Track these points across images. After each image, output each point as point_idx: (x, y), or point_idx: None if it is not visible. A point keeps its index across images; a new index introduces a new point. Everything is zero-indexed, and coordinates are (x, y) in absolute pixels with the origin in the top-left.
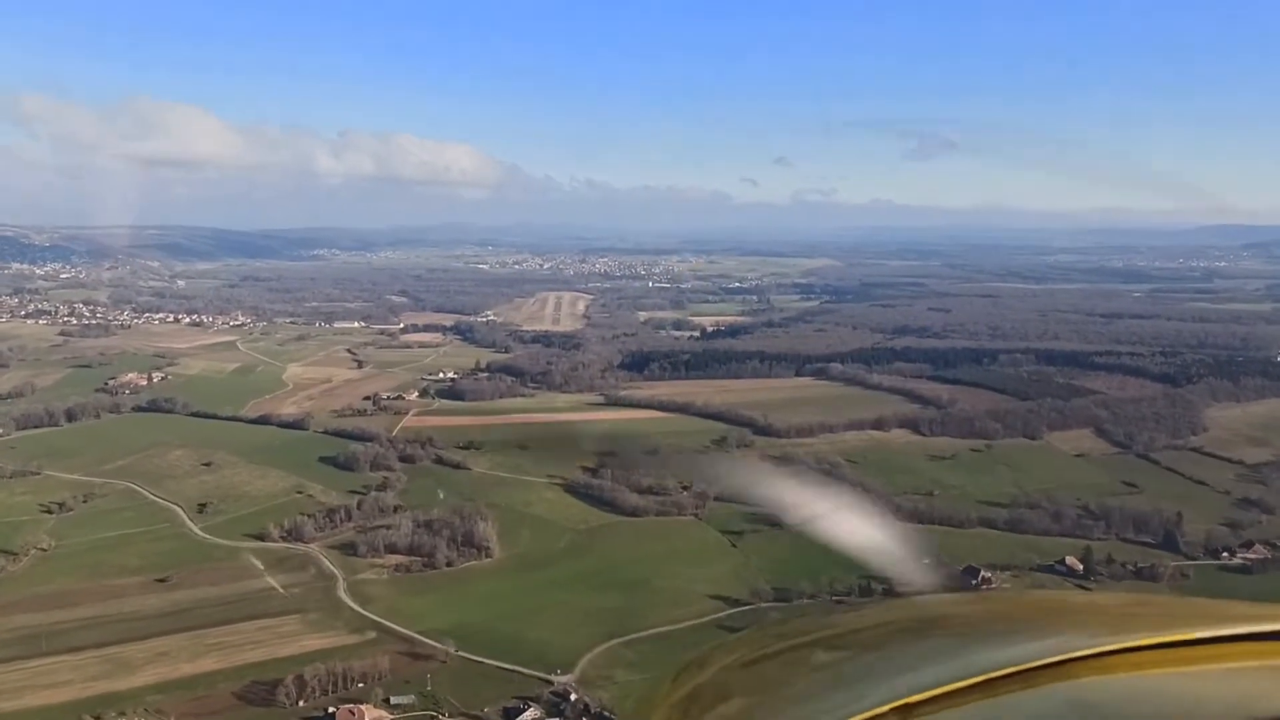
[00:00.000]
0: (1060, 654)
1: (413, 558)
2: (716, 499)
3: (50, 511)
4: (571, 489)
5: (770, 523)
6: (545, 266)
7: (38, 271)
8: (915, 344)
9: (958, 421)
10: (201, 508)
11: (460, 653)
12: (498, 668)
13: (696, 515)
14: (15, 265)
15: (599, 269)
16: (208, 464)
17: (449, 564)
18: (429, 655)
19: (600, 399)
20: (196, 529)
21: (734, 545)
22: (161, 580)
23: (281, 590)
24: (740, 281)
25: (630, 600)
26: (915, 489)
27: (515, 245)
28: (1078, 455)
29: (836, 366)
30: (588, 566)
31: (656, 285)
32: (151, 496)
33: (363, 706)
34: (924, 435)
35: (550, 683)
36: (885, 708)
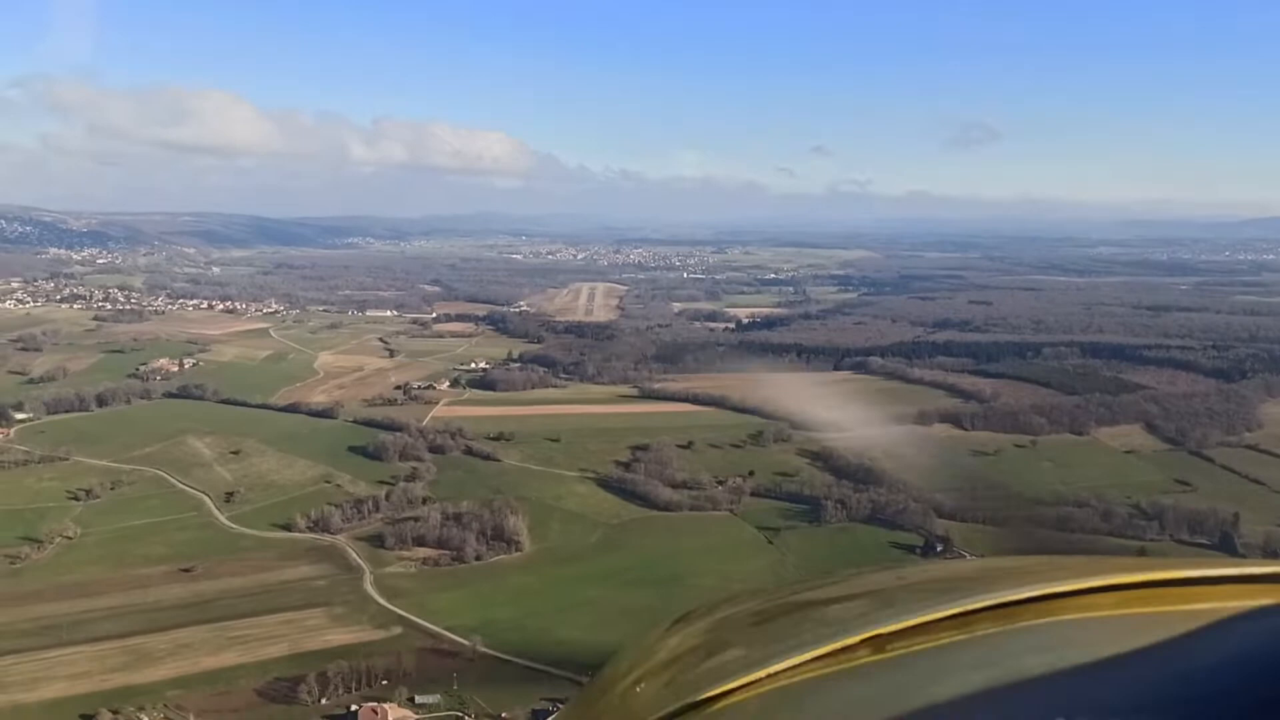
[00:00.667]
0: (1041, 590)
1: (441, 551)
2: (753, 494)
3: (77, 498)
4: (604, 483)
5: (808, 519)
6: (579, 257)
7: (75, 256)
8: (956, 337)
9: (1001, 416)
10: (229, 497)
11: (488, 650)
12: (526, 667)
13: (732, 511)
14: (53, 250)
15: (633, 259)
16: (236, 452)
17: (478, 558)
18: (456, 652)
19: (634, 391)
20: (223, 518)
21: (770, 542)
22: (186, 570)
23: (307, 582)
24: (776, 273)
25: (663, 597)
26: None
27: (549, 235)
28: (1127, 452)
29: (876, 360)
30: (620, 562)
31: (691, 276)
32: (179, 484)
33: (386, 705)
34: (966, 430)
35: (581, 684)
36: (856, 638)
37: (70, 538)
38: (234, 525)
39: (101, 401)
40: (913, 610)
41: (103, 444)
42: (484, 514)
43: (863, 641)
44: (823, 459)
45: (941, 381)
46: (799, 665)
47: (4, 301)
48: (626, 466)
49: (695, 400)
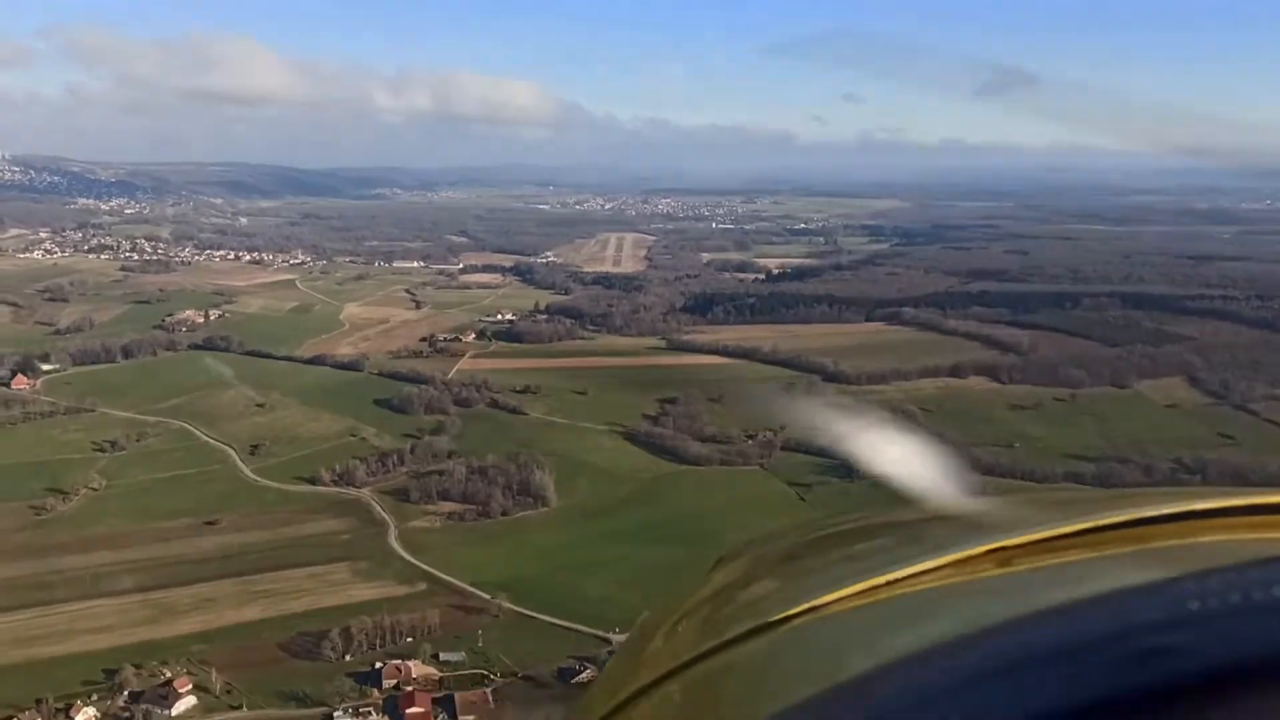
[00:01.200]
0: (1177, 508)
1: (467, 506)
2: (784, 448)
3: (103, 450)
4: (631, 436)
5: (841, 474)
6: (607, 207)
7: (103, 207)
8: (992, 287)
9: (1040, 369)
10: (254, 449)
11: (514, 607)
12: (552, 624)
13: (762, 465)
14: (81, 200)
15: (661, 210)
16: (261, 404)
17: (504, 513)
18: (481, 609)
19: (662, 343)
20: (248, 471)
21: (802, 498)
22: (211, 523)
23: (332, 537)
24: (806, 223)
25: (692, 554)
26: (995, 440)
27: (576, 185)
28: (1169, 405)
29: (909, 311)
30: (648, 518)
31: (720, 226)
32: (204, 437)
33: (410, 663)
34: (1003, 383)
35: (608, 641)
36: (980, 549)
37: (95, 490)
38: (259, 478)
39: (127, 353)
40: (1038, 525)
41: (128, 396)
42: (510, 468)
43: (986, 554)
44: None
45: (977, 333)
46: (917, 575)
47: (32, 252)
48: (655, 420)
49: (724, 352)
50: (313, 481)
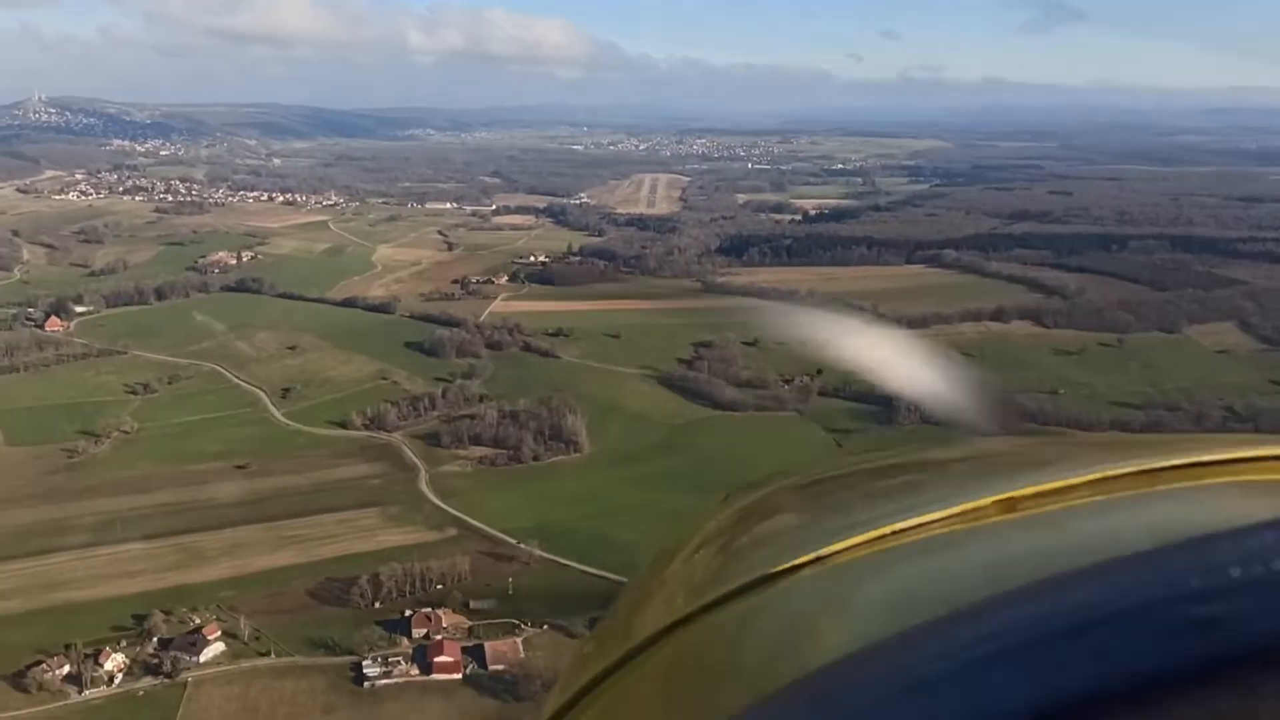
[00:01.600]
0: (1190, 459)
1: (498, 450)
2: (821, 394)
3: (135, 392)
4: (665, 381)
5: (879, 420)
6: (641, 148)
7: (138, 148)
8: (1035, 229)
9: (1085, 313)
10: (285, 393)
11: (545, 554)
12: (583, 572)
13: (799, 411)
14: (117, 142)
15: (696, 150)
16: (293, 347)
17: (535, 458)
18: (511, 556)
19: (697, 285)
20: (279, 414)
21: (839, 445)
22: (241, 467)
23: (362, 481)
24: (843, 163)
25: None
26: (1039, 386)
27: (611, 126)
28: (1220, 351)
29: (950, 253)
30: (682, 464)
31: (756, 167)
32: (236, 379)
33: (440, 611)
34: (1047, 327)
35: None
36: (987, 500)
37: (127, 432)
38: (290, 422)
39: (160, 295)
40: (1045, 474)
41: (160, 338)
42: (542, 413)
43: (993, 504)
44: None
45: (1020, 275)
46: (923, 524)
47: (68, 193)
48: (689, 364)
49: (760, 295)
50: (344, 425)
